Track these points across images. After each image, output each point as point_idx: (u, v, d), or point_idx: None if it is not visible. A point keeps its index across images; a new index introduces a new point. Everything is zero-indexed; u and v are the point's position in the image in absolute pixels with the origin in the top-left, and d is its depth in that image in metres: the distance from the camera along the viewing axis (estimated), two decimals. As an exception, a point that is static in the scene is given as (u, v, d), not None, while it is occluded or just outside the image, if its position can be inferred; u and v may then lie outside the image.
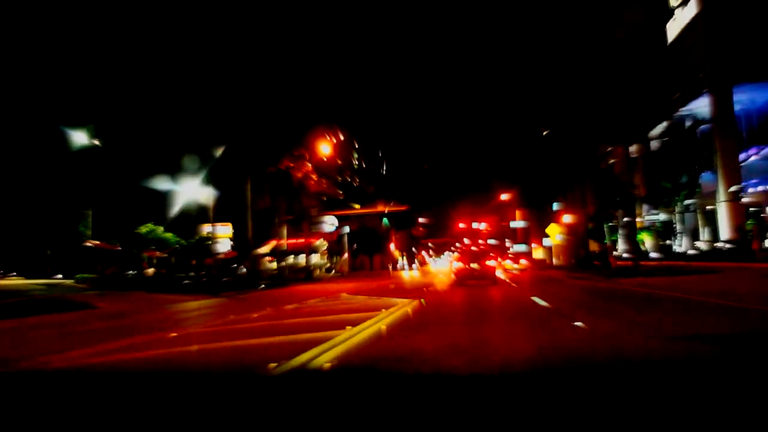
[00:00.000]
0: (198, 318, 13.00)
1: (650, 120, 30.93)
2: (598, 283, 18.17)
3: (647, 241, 34.68)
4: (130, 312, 14.80)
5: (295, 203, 38.44)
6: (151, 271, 31.18)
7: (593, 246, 39.66)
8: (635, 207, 37.74)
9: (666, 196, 27.51)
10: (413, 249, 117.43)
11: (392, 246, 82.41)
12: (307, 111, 40.47)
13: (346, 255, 67.73)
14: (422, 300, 12.23)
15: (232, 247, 44.61)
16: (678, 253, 29.05)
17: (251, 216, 32.43)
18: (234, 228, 42.55)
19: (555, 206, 47.62)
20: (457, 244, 79.88)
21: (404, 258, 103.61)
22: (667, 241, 30.65)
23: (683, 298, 11.40)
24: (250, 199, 32.94)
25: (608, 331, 6.74)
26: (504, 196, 74.56)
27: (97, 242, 27.74)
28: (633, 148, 37.87)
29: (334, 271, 64.71)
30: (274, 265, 53.33)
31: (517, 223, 70.63)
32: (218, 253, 42.39)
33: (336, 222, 65.53)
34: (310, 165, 39.94)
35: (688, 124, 28.02)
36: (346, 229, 67.64)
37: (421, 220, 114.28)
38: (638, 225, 37.62)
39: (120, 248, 29.56)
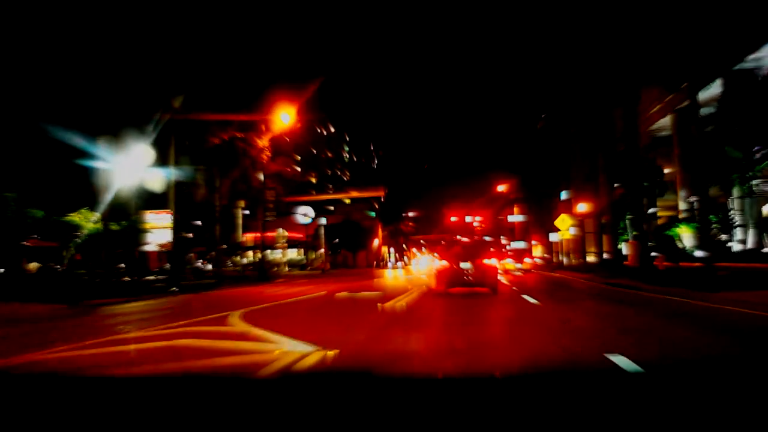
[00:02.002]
0: None
1: (699, 76, 23.42)
2: (694, 302, 10.45)
3: (686, 235, 27.24)
4: None
5: (240, 185, 30.68)
6: (33, 266, 23.44)
7: (605, 243, 32.26)
8: (669, 193, 30.58)
9: (736, 171, 19.94)
10: (404, 245, 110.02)
11: (376, 242, 74.50)
12: (266, 66, 32.80)
13: (322, 250, 60.04)
14: (327, 353, 4.67)
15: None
16: (740, 252, 21.52)
17: (174, 199, 24.74)
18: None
19: (563, 195, 40.00)
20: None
21: (392, 255, 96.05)
22: (722, 236, 23.14)
23: None
24: (173, 173, 25.26)
25: None
26: (501, 188, 67.12)
27: None
28: (667, 120, 30.57)
29: (309, 268, 57.14)
30: (245, 260, 45.72)
31: (516, 217, 62.98)
32: (142, 245, 34.94)
33: (311, 212, 57.86)
34: (266, 138, 32.08)
35: (758, 76, 20.59)
36: (323, 220, 60.01)
37: (411, 214, 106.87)
38: (660, 218, 30.50)
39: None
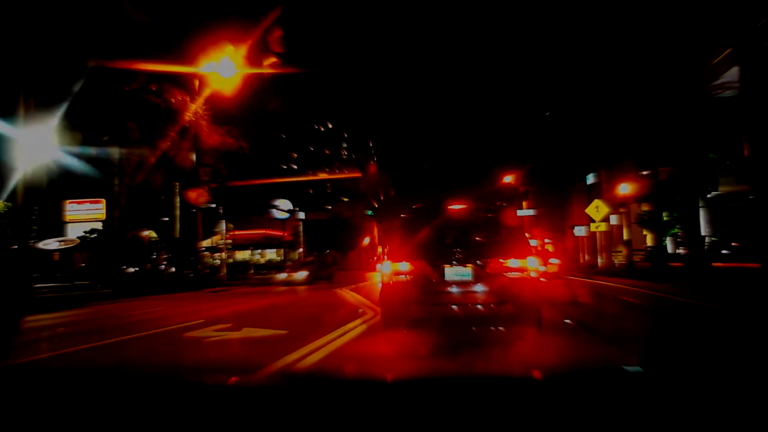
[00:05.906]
0: None
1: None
2: None
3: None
4: None
5: (158, 162, 22.46)
6: None
7: (634, 240, 23.99)
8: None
9: None
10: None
11: (367, 240, 66.03)
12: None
13: (301, 250, 51.84)
14: None
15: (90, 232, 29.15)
16: None
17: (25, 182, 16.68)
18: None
19: (590, 178, 31.71)
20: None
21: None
22: None
23: None
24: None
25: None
26: (507, 178, 58.84)
27: None
28: (735, 72, 22.17)
29: (288, 270, 49.02)
30: (218, 261, 37.10)
31: (526, 211, 54.50)
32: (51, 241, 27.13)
33: (287, 206, 49.83)
34: (199, 97, 23.79)
35: None
36: (301, 215, 51.85)
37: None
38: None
39: None
